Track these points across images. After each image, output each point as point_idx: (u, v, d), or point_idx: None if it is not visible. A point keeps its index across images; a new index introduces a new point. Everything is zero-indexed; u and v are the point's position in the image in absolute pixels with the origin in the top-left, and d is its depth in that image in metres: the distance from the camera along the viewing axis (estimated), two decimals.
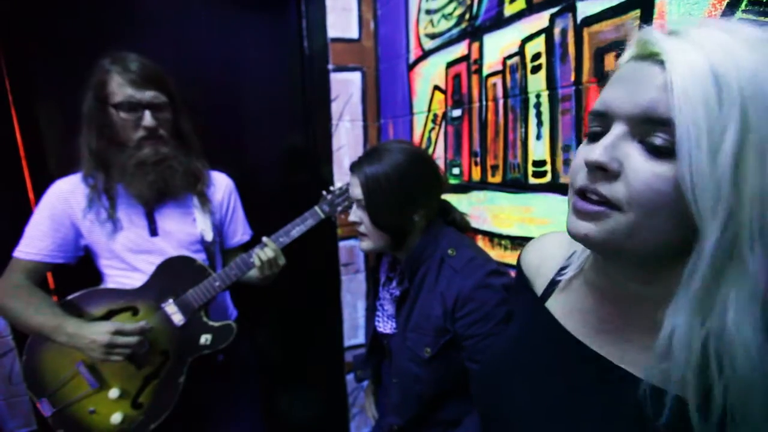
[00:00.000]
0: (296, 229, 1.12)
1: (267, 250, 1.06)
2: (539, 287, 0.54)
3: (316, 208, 1.14)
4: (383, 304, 1.01)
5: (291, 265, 1.15)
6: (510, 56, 0.93)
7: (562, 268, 0.51)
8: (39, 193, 1.00)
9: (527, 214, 0.95)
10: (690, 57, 0.31)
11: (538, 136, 0.88)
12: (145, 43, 1.26)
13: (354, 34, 1.49)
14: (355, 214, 0.90)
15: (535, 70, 0.87)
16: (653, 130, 0.33)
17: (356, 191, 0.87)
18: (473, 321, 0.79)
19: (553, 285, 0.52)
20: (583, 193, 0.38)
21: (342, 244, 1.64)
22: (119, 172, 0.97)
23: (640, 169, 0.34)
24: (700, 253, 0.32)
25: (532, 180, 0.92)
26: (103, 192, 0.98)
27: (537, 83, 0.87)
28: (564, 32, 0.79)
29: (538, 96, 0.87)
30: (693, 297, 0.33)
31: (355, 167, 0.88)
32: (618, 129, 0.36)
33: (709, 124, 0.30)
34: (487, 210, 1.07)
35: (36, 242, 0.96)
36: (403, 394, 0.89)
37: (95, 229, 1.00)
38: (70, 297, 1.00)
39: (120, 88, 0.93)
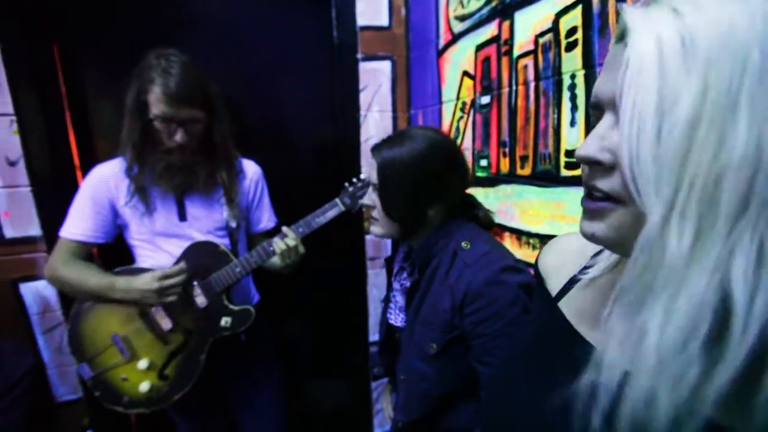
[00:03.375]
0: (316, 221, 1.12)
1: (287, 240, 1.08)
2: (554, 287, 0.51)
3: (337, 200, 1.14)
4: (395, 295, 0.98)
5: (317, 258, 1.15)
6: (542, 33, 0.84)
7: (586, 267, 0.47)
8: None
9: (558, 210, 0.85)
10: (651, 27, 0.29)
11: (572, 123, 0.79)
12: (186, 39, 1.32)
13: (384, 21, 1.44)
14: (370, 198, 0.86)
15: (570, 47, 0.77)
16: None
17: (373, 174, 0.83)
18: (482, 319, 0.73)
19: (571, 283, 0.49)
20: (589, 191, 0.36)
21: (369, 237, 1.62)
22: (150, 169, 1.03)
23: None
24: (638, 242, 0.29)
25: (564, 172, 0.82)
26: (140, 180, 1.04)
27: (572, 62, 0.77)
28: (604, 1, 0.68)
29: (572, 77, 0.77)
30: (627, 297, 0.31)
31: (375, 149, 0.84)
32: (607, 118, 0.33)
33: (659, 97, 0.27)
34: (515, 205, 0.98)
35: (79, 223, 1.04)
36: (409, 392, 0.86)
37: (131, 213, 1.06)
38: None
39: (157, 103, 0.96)
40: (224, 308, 1.09)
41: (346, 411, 1.79)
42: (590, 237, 0.36)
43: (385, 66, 1.48)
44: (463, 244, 0.79)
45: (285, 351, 1.38)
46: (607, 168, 0.32)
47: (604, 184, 0.33)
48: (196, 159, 1.05)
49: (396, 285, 0.98)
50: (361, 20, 1.41)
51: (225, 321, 1.08)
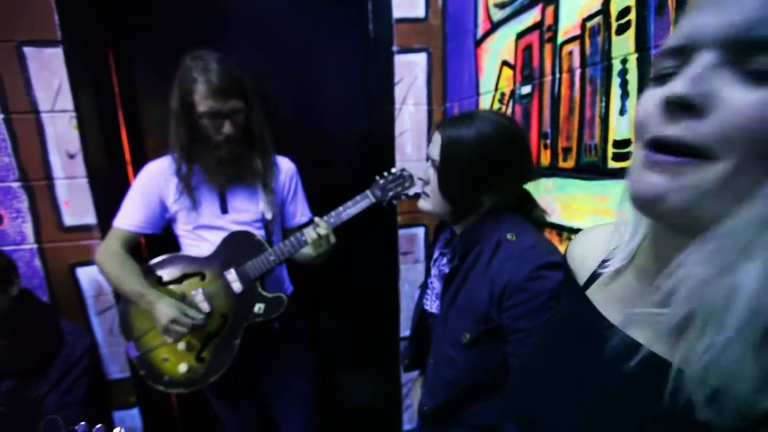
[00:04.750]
0: (347, 212, 1.14)
1: (318, 229, 1.11)
2: (581, 278, 0.50)
3: (368, 192, 1.16)
4: (432, 281, 0.96)
5: (351, 252, 1.16)
6: (590, 17, 0.79)
7: (605, 261, 0.47)
8: (138, 173, 1.15)
9: (603, 204, 0.80)
10: None
11: (622, 111, 0.73)
12: (226, 38, 1.37)
13: (420, 12, 1.42)
14: (426, 173, 0.84)
15: (622, 29, 0.72)
16: (754, 54, 0.26)
17: (434, 151, 0.80)
18: (521, 314, 0.69)
19: (594, 278, 0.48)
20: (656, 146, 0.31)
21: (402, 232, 1.61)
22: (202, 166, 1.10)
23: (739, 99, 0.27)
24: None
25: (611, 164, 0.77)
26: (189, 179, 1.10)
27: (623, 46, 0.72)
28: None
29: (623, 61, 0.72)
30: (734, 239, 0.27)
31: (441, 125, 0.81)
32: (705, 58, 0.28)
33: None
34: (556, 199, 0.94)
35: (131, 214, 1.11)
36: (437, 376, 0.85)
37: (179, 208, 1.13)
38: (154, 261, 1.15)
39: (204, 100, 1.01)
40: (258, 295, 1.13)
41: (376, 405, 1.80)
42: (654, 199, 0.30)
43: (421, 58, 1.46)
44: (509, 235, 0.75)
45: (317, 342, 1.40)
46: (699, 114, 0.28)
47: (693, 130, 0.28)
48: (240, 150, 1.10)
49: (434, 271, 0.96)
50: (397, 12, 1.40)
51: (258, 307, 1.12)
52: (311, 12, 1.43)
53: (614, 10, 0.73)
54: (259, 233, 1.15)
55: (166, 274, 1.14)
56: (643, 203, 0.32)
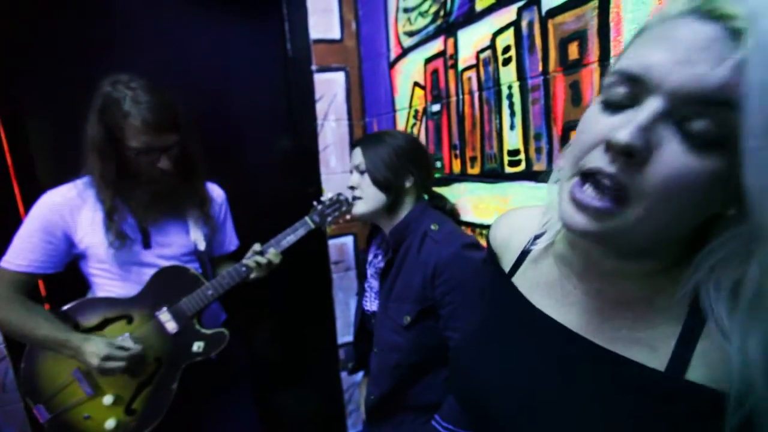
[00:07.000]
0: (286, 239, 1.14)
1: (269, 256, 1.10)
2: (507, 262, 0.53)
3: (307, 218, 1.16)
4: (370, 282, 1.06)
5: (282, 265, 1.16)
6: (483, 50, 0.96)
7: (537, 237, 0.49)
8: (28, 203, 1.01)
9: (505, 203, 0.97)
10: None
11: (512, 126, 0.91)
12: (132, 58, 1.29)
13: (336, 34, 1.51)
14: (353, 180, 0.99)
15: (506, 62, 0.89)
16: (701, 113, 0.27)
17: (357, 159, 0.98)
18: (450, 288, 0.84)
19: (523, 256, 0.51)
20: (589, 177, 0.34)
21: (332, 242, 1.66)
22: (135, 202, 1.00)
23: (674, 161, 0.29)
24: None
25: (508, 169, 0.94)
26: (111, 211, 0.99)
27: (508, 75, 0.89)
28: (531, 24, 0.81)
29: (509, 87, 0.90)
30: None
31: (359, 140, 1.01)
32: (655, 105, 0.29)
33: None
34: (468, 201, 1.10)
35: (26, 254, 0.96)
36: (382, 363, 0.94)
37: (92, 242, 1.00)
38: (65, 307, 1.01)
39: (138, 135, 0.93)
40: (196, 333, 1.06)
41: (319, 415, 1.81)
42: (581, 232, 0.34)
43: (339, 77, 1.55)
44: (432, 226, 0.92)
45: (255, 361, 1.38)
46: (639, 162, 0.30)
47: (628, 178, 0.30)
48: (177, 183, 1.04)
49: (371, 271, 1.06)
50: (314, 33, 1.47)
51: (198, 346, 1.06)
52: (227, 31, 1.42)
53: (499, 46, 0.91)
54: (192, 266, 1.09)
55: (84, 320, 1.01)
56: (572, 232, 0.36)
